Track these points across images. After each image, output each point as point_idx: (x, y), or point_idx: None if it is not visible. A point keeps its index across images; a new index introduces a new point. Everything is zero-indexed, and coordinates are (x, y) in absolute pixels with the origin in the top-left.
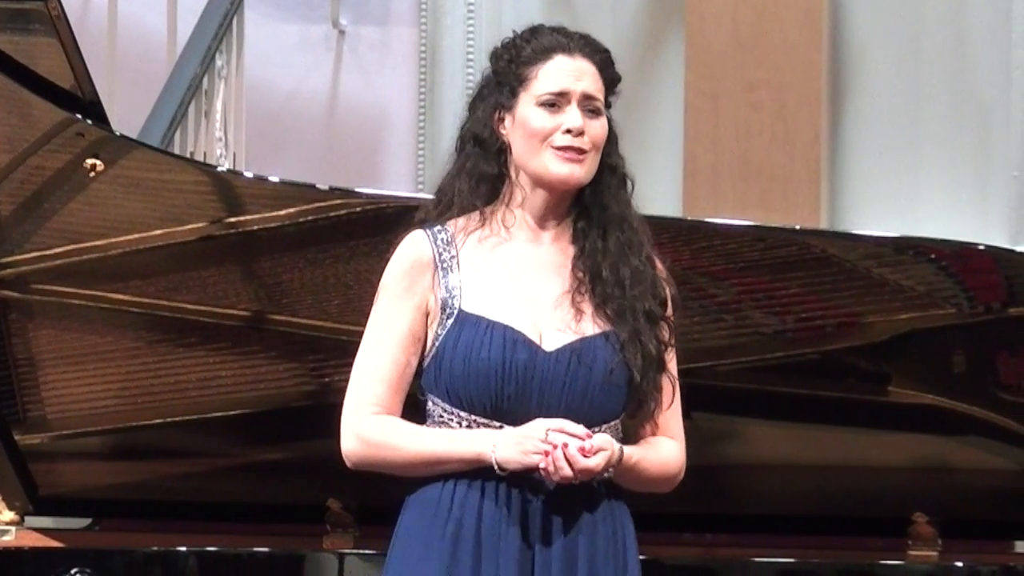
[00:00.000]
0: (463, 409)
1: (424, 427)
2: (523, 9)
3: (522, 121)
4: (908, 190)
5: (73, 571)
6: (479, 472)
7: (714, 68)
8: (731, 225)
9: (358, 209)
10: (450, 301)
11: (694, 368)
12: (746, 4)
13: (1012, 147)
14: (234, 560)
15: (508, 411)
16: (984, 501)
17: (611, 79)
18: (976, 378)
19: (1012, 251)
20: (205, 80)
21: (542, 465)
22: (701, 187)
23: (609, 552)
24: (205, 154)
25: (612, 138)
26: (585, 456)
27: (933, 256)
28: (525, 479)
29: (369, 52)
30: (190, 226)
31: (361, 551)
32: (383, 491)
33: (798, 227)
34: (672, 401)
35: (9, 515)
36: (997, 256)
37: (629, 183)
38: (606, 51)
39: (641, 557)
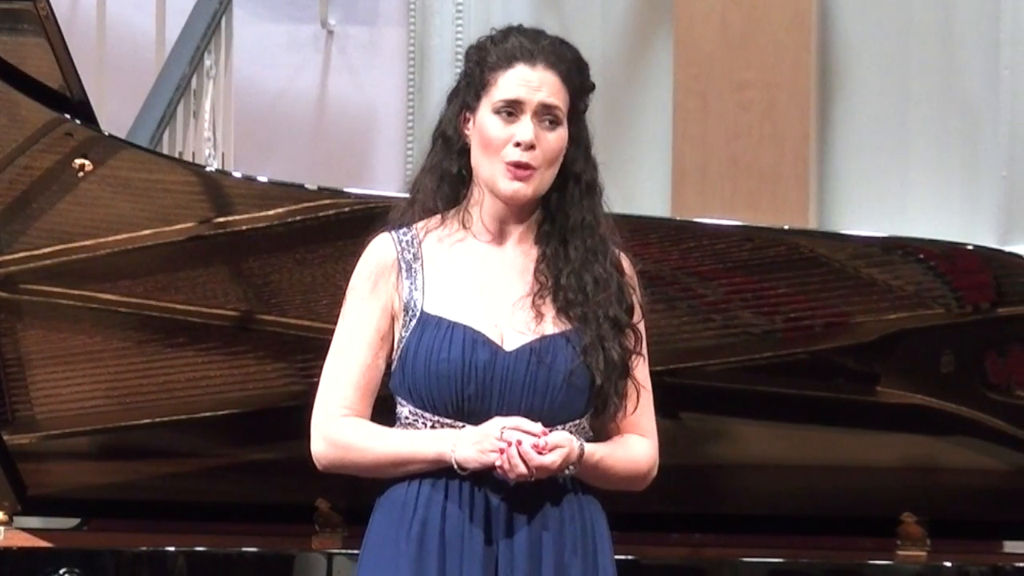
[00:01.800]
0: (427, 410)
1: (389, 428)
2: (511, 9)
3: (479, 126)
4: (897, 190)
5: (62, 571)
6: (443, 472)
7: (703, 68)
8: (720, 225)
9: (347, 209)
10: (412, 303)
11: (683, 368)
12: (735, 4)
13: (1000, 147)
14: (223, 560)
15: (470, 411)
16: (973, 501)
17: (578, 87)
18: (965, 378)
19: (1001, 251)
20: (194, 80)
21: (498, 463)
22: (690, 187)
23: (578, 548)
24: (194, 154)
25: (581, 145)
26: (540, 453)
27: (922, 256)
28: (488, 478)
29: (358, 52)
30: (179, 226)
31: (349, 551)
32: (371, 491)
33: (787, 227)
34: (638, 405)
35: None
36: (986, 256)
37: (598, 189)
38: (575, 59)
39: (629, 557)
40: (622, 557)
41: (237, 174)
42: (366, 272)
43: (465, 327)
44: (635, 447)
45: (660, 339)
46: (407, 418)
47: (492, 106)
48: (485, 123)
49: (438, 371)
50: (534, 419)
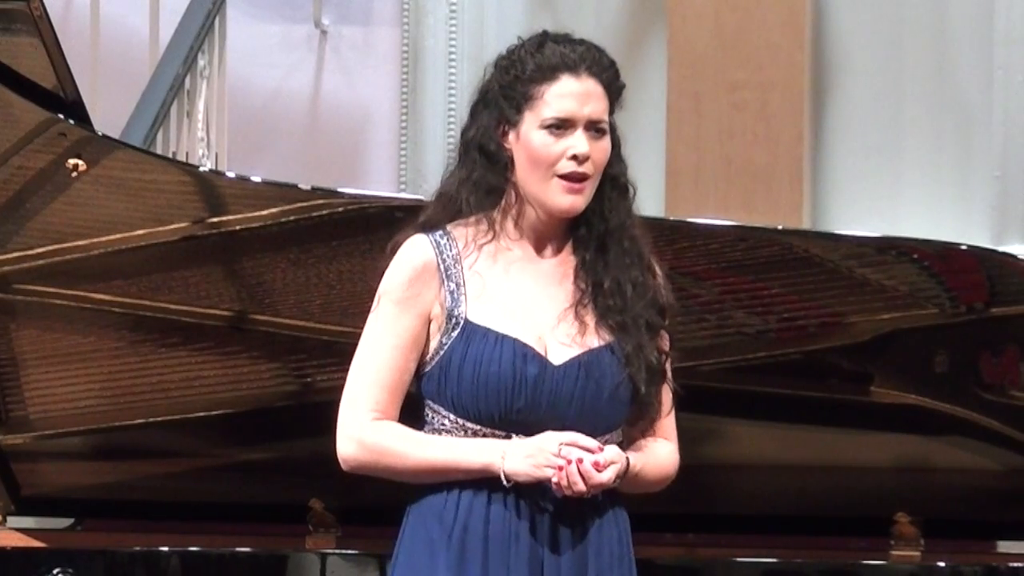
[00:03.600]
0: (470, 420)
1: (427, 435)
2: (505, 10)
3: (526, 142)
4: (890, 190)
5: (55, 571)
6: (484, 481)
7: (696, 68)
8: (713, 225)
9: (340, 209)
10: (455, 310)
11: (676, 368)
12: (728, 4)
13: (994, 147)
14: (216, 560)
15: (517, 423)
16: (966, 501)
17: (617, 93)
18: (959, 378)
19: (994, 251)
20: (187, 80)
21: (555, 480)
22: (683, 187)
23: (615, 558)
24: (187, 154)
25: (615, 146)
26: (598, 470)
27: (915, 256)
28: (532, 489)
29: (351, 52)
30: (172, 226)
31: (343, 551)
32: (365, 492)
33: (780, 227)
34: (671, 407)
35: None
36: (979, 256)
37: (631, 190)
38: (611, 64)
39: None
40: None
41: (231, 174)
42: (403, 275)
43: (514, 340)
44: (663, 452)
45: None
46: (442, 425)
47: (541, 122)
48: (534, 139)
49: (487, 383)
50: (579, 431)
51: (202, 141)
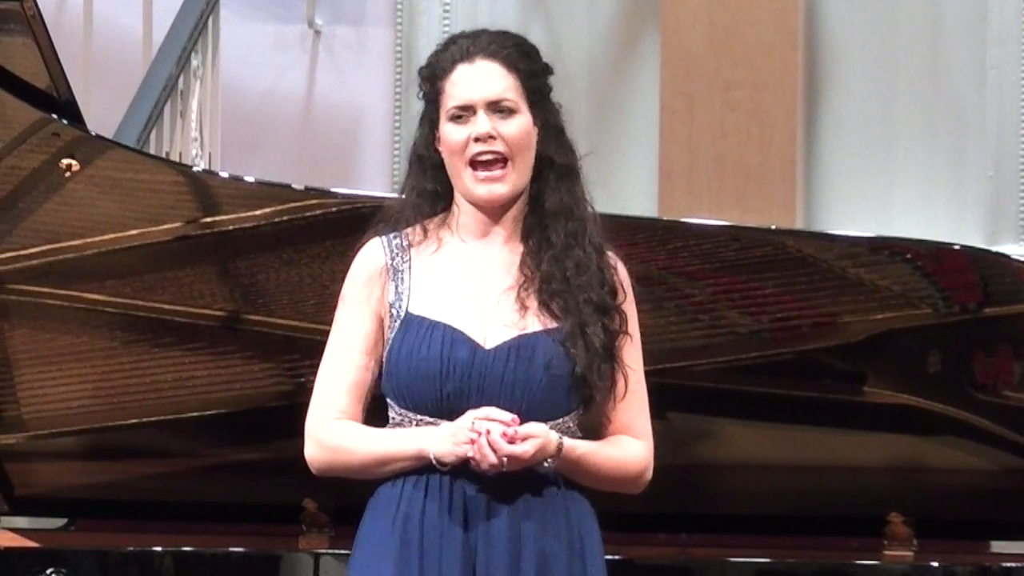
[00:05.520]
0: (411, 410)
1: (376, 429)
2: (498, 9)
3: (443, 137)
4: (884, 190)
5: (48, 571)
6: (425, 469)
7: (690, 68)
8: (706, 225)
9: (334, 209)
10: (399, 305)
11: (669, 368)
12: (722, 4)
13: (987, 147)
14: (210, 560)
15: (451, 410)
16: (960, 501)
17: (528, 70)
18: (952, 378)
19: (988, 251)
20: (180, 80)
21: (470, 454)
22: (676, 187)
23: (562, 537)
24: (180, 154)
25: (551, 129)
26: (512, 443)
27: (909, 256)
28: (468, 472)
29: (345, 52)
30: (166, 226)
31: (336, 551)
32: (358, 491)
33: (774, 227)
34: (627, 392)
35: None
36: (973, 256)
37: (573, 172)
38: (516, 44)
39: (616, 557)
40: (609, 557)
41: (224, 174)
42: (357, 278)
43: (446, 326)
44: (626, 447)
45: (647, 339)
46: (395, 419)
47: (447, 115)
48: (444, 133)
49: (419, 369)
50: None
51: (195, 141)
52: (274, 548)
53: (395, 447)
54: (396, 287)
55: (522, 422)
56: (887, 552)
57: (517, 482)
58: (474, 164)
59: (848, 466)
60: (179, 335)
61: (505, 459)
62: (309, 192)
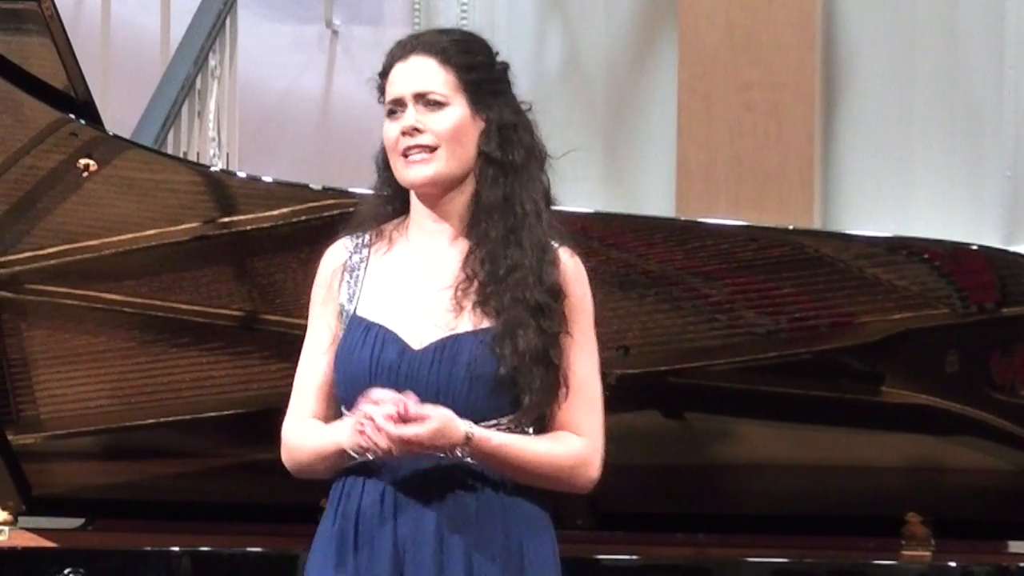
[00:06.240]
0: (349, 409)
1: (318, 426)
2: (516, 9)
3: (383, 134)
4: (901, 190)
5: (66, 571)
6: (362, 466)
7: (707, 68)
8: (724, 225)
9: (351, 209)
10: (347, 307)
11: (687, 368)
12: (739, 4)
13: (1005, 146)
14: (227, 560)
15: None
16: (977, 501)
17: (465, 64)
18: (969, 378)
19: (1005, 251)
20: (198, 80)
21: (362, 443)
22: (694, 187)
23: (496, 552)
24: (198, 154)
25: (494, 125)
26: (404, 424)
27: (926, 256)
28: (402, 472)
29: (362, 52)
30: (183, 226)
31: None
32: None
33: (791, 227)
34: (570, 391)
35: (2, 515)
36: (990, 256)
37: (519, 169)
38: (456, 40)
39: (634, 557)
40: (627, 557)
41: (241, 174)
42: (319, 278)
43: (379, 327)
44: (561, 441)
45: (665, 339)
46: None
47: (385, 112)
48: (383, 130)
49: (352, 371)
50: None
51: (213, 141)
52: (292, 548)
53: (322, 442)
54: (349, 288)
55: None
56: (905, 552)
57: (446, 483)
58: (403, 155)
59: (866, 466)
60: (197, 335)
61: (398, 443)
62: (327, 192)
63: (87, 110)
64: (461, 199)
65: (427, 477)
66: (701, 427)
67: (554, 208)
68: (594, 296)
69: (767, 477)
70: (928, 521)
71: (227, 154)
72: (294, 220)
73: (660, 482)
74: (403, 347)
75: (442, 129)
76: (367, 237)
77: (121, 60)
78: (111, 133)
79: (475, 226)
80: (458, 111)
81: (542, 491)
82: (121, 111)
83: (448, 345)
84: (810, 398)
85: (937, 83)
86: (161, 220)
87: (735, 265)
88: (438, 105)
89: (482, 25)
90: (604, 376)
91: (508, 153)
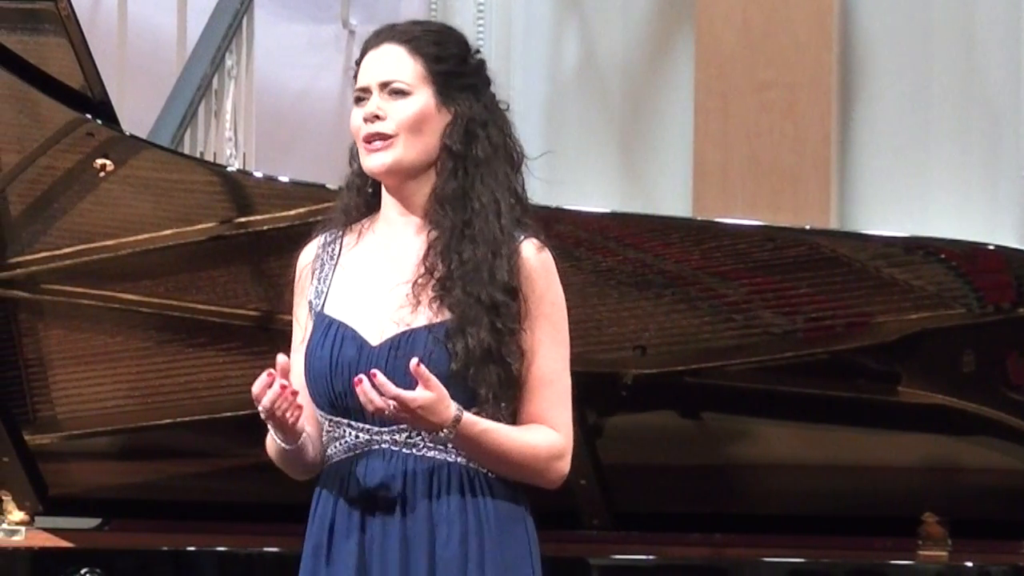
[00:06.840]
0: (319, 408)
1: None
2: (533, 9)
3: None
4: (918, 190)
5: (83, 571)
6: (335, 469)
7: (724, 68)
8: (741, 225)
9: None
10: (315, 304)
11: (704, 368)
12: (756, 4)
13: (1022, 146)
14: (244, 560)
15: (345, 407)
16: (994, 501)
17: (433, 55)
18: (986, 378)
19: (1022, 251)
20: (215, 80)
21: (264, 401)
22: (711, 187)
23: (459, 552)
24: (215, 154)
25: (459, 119)
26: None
27: (943, 256)
28: (369, 475)
29: None
30: (200, 226)
31: None
32: None
33: (808, 227)
34: (538, 384)
35: (19, 515)
36: (1007, 256)
37: (481, 164)
38: (428, 31)
39: (650, 557)
40: (643, 557)
41: (258, 174)
42: (296, 278)
43: (340, 323)
44: (539, 432)
45: (681, 339)
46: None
47: (353, 100)
48: (350, 118)
49: (315, 369)
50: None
51: (230, 141)
52: None
53: (269, 440)
54: (317, 286)
55: None
56: (921, 552)
57: (415, 485)
58: (369, 144)
59: (882, 466)
60: (213, 335)
61: (392, 403)
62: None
63: (104, 110)
64: (424, 191)
65: (394, 483)
66: (717, 427)
67: (568, 208)
68: (610, 296)
69: (783, 477)
70: (945, 521)
71: (244, 154)
72: (311, 220)
73: (677, 482)
74: (362, 343)
75: (402, 118)
76: (339, 232)
77: (138, 60)
78: (128, 133)
79: (432, 218)
80: (421, 100)
81: (515, 486)
82: (138, 111)
83: (403, 340)
84: (826, 398)
85: (954, 83)
86: (178, 220)
87: (752, 265)
88: (401, 94)
89: (498, 25)
90: (621, 376)
91: (471, 147)
